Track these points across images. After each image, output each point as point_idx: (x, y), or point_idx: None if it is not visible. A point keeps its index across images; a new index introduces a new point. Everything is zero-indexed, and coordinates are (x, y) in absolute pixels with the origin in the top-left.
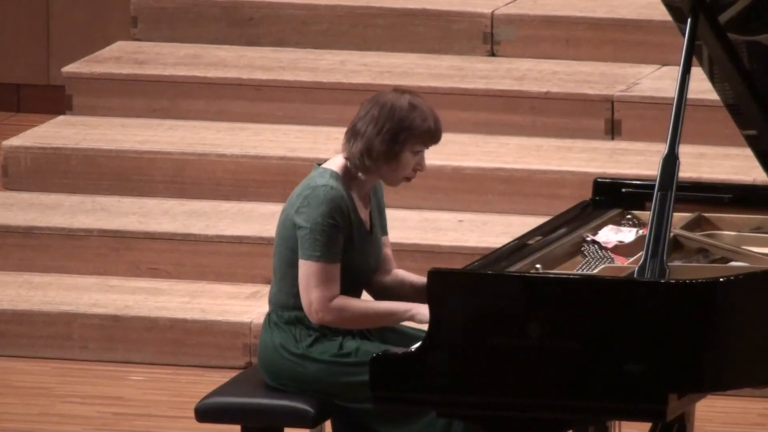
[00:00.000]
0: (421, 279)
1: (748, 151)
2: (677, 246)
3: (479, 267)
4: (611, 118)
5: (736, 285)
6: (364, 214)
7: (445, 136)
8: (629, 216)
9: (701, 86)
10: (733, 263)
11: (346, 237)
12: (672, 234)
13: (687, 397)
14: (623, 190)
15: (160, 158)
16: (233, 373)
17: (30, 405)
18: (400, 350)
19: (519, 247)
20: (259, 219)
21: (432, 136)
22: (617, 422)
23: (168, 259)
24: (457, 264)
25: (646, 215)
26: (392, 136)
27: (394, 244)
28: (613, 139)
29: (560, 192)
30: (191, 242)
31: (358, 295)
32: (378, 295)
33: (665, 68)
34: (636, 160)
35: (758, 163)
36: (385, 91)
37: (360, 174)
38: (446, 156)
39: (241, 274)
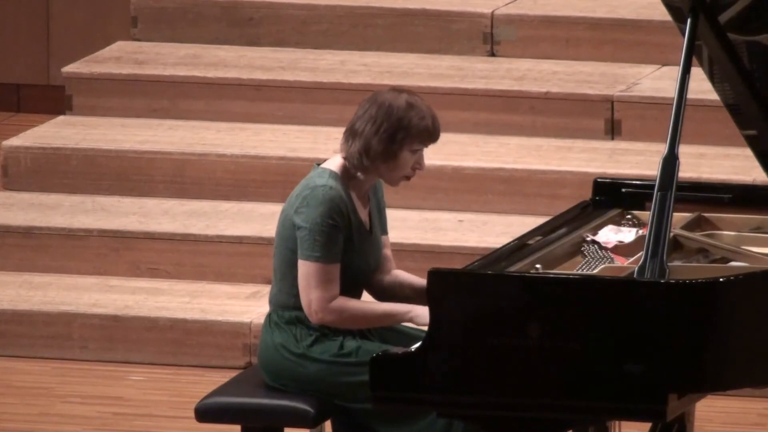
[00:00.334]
0: (421, 281)
1: (748, 151)
2: (677, 246)
3: (479, 267)
4: (611, 118)
5: (736, 285)
6: (363, 214)
7: (445, 136)
8: (629, 216)
9: (701, 86)
10: (733, 263)
11: (345, 237)
12: (672, 234)
13: (687, 397)
14: (623, 190)
15: (160, 158)
16: (233, 373)
17: (30, 405)
18: (400, 350)
19: (519, 247)
20: (259, 219)
21: (430, 135)
22: (617, 422)
23: (168, 259)
24: (457, 264)
25: (646, 215)
26: (390, 136)
27: (394, 244)
28: (613, 139)
29: (560, 192)
30: (191, 242)
31: (358, 296)
32: (378, 295)
33: (665, 68)
34: (636, 160)
35: (758, 163)
36: (383, 90)
37: (359, 174)
38: (446, 156)
39: (241, 274)
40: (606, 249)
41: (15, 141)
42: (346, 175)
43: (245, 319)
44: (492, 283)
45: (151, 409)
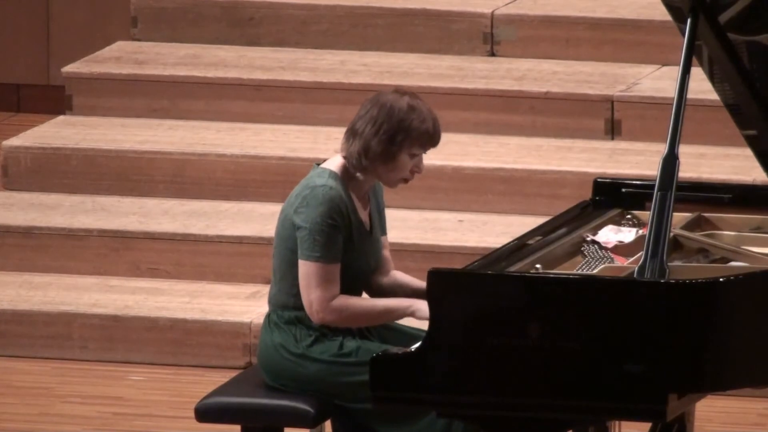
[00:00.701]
0: (419, 282)
1: (748, 151)
2: (677, 246)
3: (479, 267)
4: (611, 118)
5: (736, 285)
6: (363, 214)
7: (445, 136)
8: (629, 216)
9: (701, 86)
10: (733, 263)
11: (345, 237)
12: (672, 234)
13: (687, 397)
14: (623, 190)
15: (160, 158)
16: (233, 373)
17: (30, 405)
18: (400, 350)
19: (519, 247)
20: (259, 219)
21: (430, 139)
22: (617, 422)
23: (168, 259)
24: (457, 264)
25: (646, 215)
26: (390, 137)
27: (394, 244)
28: (613, 139)
29: (560, 192)
30: (191, 242)
31: (358, 295)
32: (376, 295)
33: (665, 68)
34: (636, 160)
35: (758, 163)
36: (386, 91)
37: (358, 174)
38: (446, 156)
39: (241, 274)
40: (606, 249)
41: (15, 141)
42: (346, 175)
43: (245, 319)
44: (492, 283)
45: (151, 409)
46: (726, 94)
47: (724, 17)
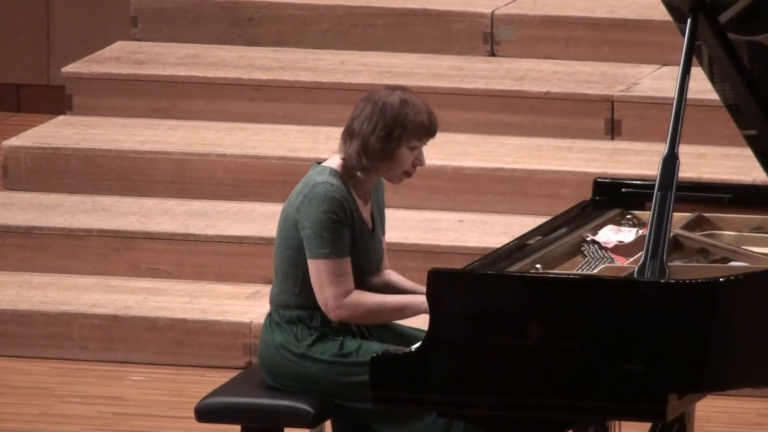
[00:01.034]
0: (411, 284)
1: (748, 151)
2: (677, 246)
3: (479, 267)
4: (611, 118)
5: (736, 285)
6: (365, 212)
7: (445, 136)
8: (629, 216)
9: (701, 86)
10: (733, 263)
11: (350, 233)
12: (672, 234)
13: (687, 397)
14: (623, 190)
15: (160, 158)
16: (233, 373)
17: (30, 405)
18: (400, 350)
19: (519, 247)
20: (259, 219)
21: (427, 130)
22: (617, 422)
23: (168, 259)
24: (457, 264)
25: (646, 215)
26: (387, 134)
27: (394, 244)
28: (613, 139)
29: (560, 192)
30: (191, 242)
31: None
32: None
33: (665, 68)
34: (636, 160)
35: (758, 163)
36: (378, 89)
37: (359, 173)
38: (446, 156)
39: (241, 274)
40: (606, 249)
41: (15, 141)
42: (346, 173)
43: (245, 319)
44: (492, 283)
45: (151, 409)
46: (726, 94)
47: (724, 17)
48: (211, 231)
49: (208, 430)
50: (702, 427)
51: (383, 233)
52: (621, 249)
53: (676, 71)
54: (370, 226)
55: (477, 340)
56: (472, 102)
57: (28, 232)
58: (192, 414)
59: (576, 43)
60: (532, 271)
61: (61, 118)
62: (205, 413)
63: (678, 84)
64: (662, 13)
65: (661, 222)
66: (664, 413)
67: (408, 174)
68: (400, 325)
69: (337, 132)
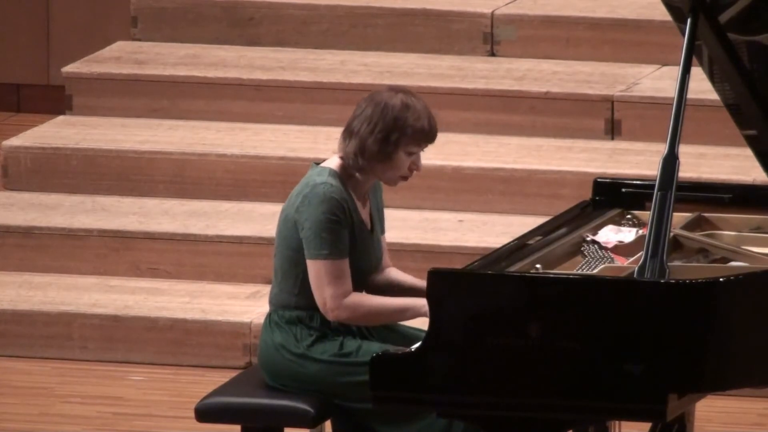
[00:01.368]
0: (413, 280)
1: (748, 151)
2: (677, 246)
3: (479, 267)
4: (611, 118)
5: (736, 285)
6: (363, 213)
7: (445, 136)
8: (629, 216)
9: (701, 86)
10: (733, 263)
11: (348, 233)
12: (672, 234)
13: (687, 397)
14: (623, 190)
15: (160, 158)
16: (233, 373)
17: (30, 405)
18: (400, 350)
19: (519, 247)
20: (259, 219)
21: (425, 136)
22: (617, 422)
23: (168, 259)
24: (457, 264)
25: (646, 215)
26: (385, 136)
27: (394, 244)
28: (613, 139)
29: (560, 192)
30: (191, 242)
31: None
32: (371, 293)
33: (665, 68)
34: (636, 160)
35: (758, 163)
36: (381, 89)
37: (357, 174)
38: (446, 156)
39: (241, 274)
40: (606, 249)
41: (15, 141)
42: (344, 173)
43: (245, 319)
44: (492, 283)
45: (151, 409)
46: (726, 94)
47: (724, 17)
48: (211, 231)
49: (208, 430)
50: (702, 427)
51: (383, 232)
52: (621, 249)
53: (676, 71)
54: (369, 227)
55: (477, 340)
56: (472, 102)
57: (28, 232)
58: (192, 414)
59: (576, 43)
60: (532, 271)
61: (61, 118)
62: (205, 413)
63: (678, 84)
64: (662, 13)
65: (661, 222)
66: (664, 413)
67: (404, 178)
68: (400, 325)
69: (337, 132)
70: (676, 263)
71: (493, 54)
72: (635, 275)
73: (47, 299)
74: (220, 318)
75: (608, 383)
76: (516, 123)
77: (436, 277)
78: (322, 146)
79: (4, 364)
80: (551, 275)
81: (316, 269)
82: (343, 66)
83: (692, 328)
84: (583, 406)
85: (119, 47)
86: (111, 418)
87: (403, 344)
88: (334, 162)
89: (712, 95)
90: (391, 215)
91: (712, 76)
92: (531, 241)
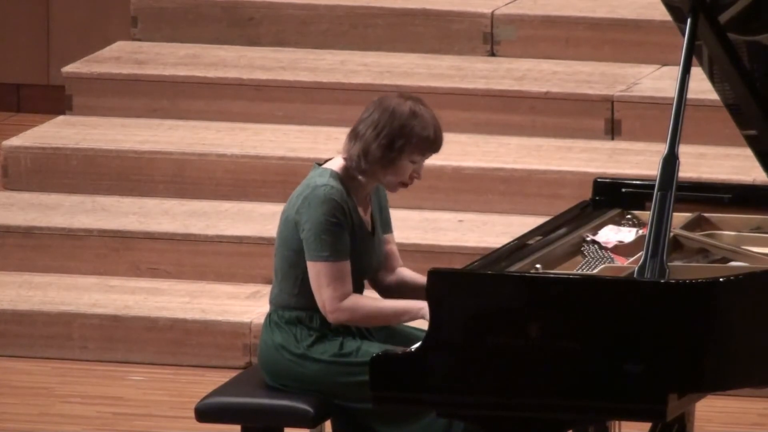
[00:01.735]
0: (422, 279)
1: (748, 151)
2: (677, 246)
3: (479, 267)
4: (611, 118)
5: (736, 285)
6: (365, 215)
7: (445, 136)
8: (629, 216)
9: (701, 86)
10: (733, 263)
11: (349, 236)
12: (672, 234)
13: (687, 397)
14: (623, 190)
15: (160, 158)
16: (233, 373)
17: (30, 405)
18: (400, 350)
19: (519, 247)
20: (259, 219)
21: (430, 146)
22: (617, 422)
23: (168, 259)
24: (457, 264)
25: (646, 215)
26: (389, 142)
27: None
28: (613, 139)
29: (560, 192)
30: (191, 242)
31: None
32: (381, 293)
33: (665, 68)
34: (636, 160)
35: (758, 163)
36: (391, 95)
37: (359, 176)
38: (446, 156)
39: (241, 274)
40: (606, 249)
41: (15, 141)
42: (347, 175)
43: (245, 319)
44: (492, 283)
45: (151, 409)
46: (726, 94)
47: (724, 17)
48: (211, 231)
49: (208, 430)
50: (702, 427)
51: (390, 232)
52: (621, 249)
53: (676, 71)
54: (370, 228)
55: (477, 340)
56: (472, 102)
57: (28, 232)
58: (192, 414)
59: (576, 43)
60: (532, 271)
61: (61, 118)
62: (205, 413)
63: (678, 84)
64: (662, 13)
65: (661, 222)
66: (664, 413)
67: (404, 185)
68: (401, 325)
69: (337, 132)
70: (676, 263)
71: (493, 54)
72: (635, 275)
73: (47, 299)
74: (220, 318)
75: (608, 383)
76: (516, 123)
77: (436, 277)
78: (322, 146)
79: (4, 364)
80: (551, 275)
81: (315, 271)
82: (343, 66)
83: (692, 328)
84: (583, 406)
85: (119, 47)
86: (111, 418)
87: (403, 344)
88: (337, 163)
89: (712, 95)
90: (391, 215)
91: (712, 76)
92: (531, 241)
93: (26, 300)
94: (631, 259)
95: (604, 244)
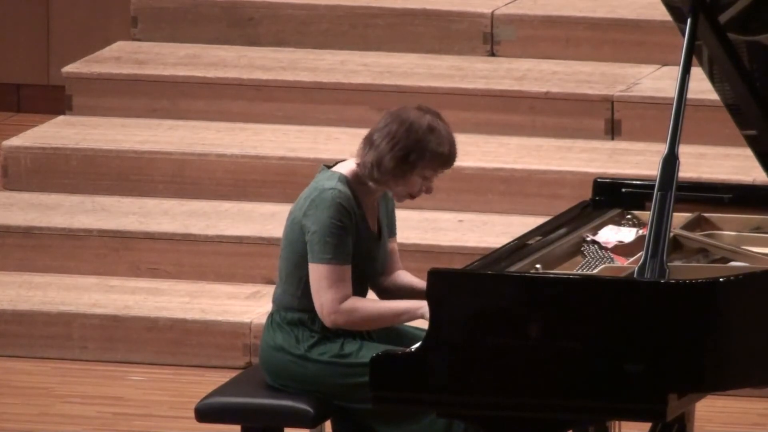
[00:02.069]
0: (421, 282)
1: (748, 151)
2: (677, 246)
3: (479, 267)
4: (611, 118)
5: (736, 285)
6: (371, 219)
7: None
8: (629, 216)
9: (701, 86)
10: (733, 263)
11: (353, 240)
12: (672, 234)
13: (687, 397)
14: (623, 190)
15: (160, 158)
16: (233, 373)
17: (30, 405)
18: (400, 350)
19: (519, 247)
20: (259, 219)
21: (443, 162)
22: (617, 422)
23: (168, 259)
24: (457, 264)
25: (646, 215)
26: (404, 155)
27: None
28: (613, 139)
29: (560, 192)
30: (191, 242)
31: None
32: (379, 295)
33: (665, 68)
34: (636, 160)
35: (758, 163)
36: (410, 107)
37: (370, 183)
38: None
39: (241, 274)
40: (606, 249)
41: (15, 141)
42: (356, 180)
43: (245, 319)
44: (492, 283)
45: (151, 409)
46: (726, 94)
47: (724, 17)
48: (211, 231)
49: (208, 430)
50: (702, 427)
51: (394, 234)
52: (621, 249)
53: (676, 71)
54: (377, 232)
55: (477, 340)
56: (472, 102)
57: (28, 232)
58: (192, 414)
59: (576, 43)
60: (532, 271)
61: (61, 118)
62: (205, 413)
63: (678, 84)
64: (662, 13)
65: (661, 222)
66: (664, 413)
67: (412, 197)
68: (401, 325)
69: (337, 132)
70: (676, 263)
71: (493, 54)
72: (635, 275)
73: (47, 299)
74: (220, 318)
75: (608, 383)
76: (516, 123)
77: (436, 277)
78: (322, 146)
79: (4, 364)
80: (551, 275)
81: (317, 273)
82: (343, 66)
83: (692, 328)
84: (583, 406)
85: (119, 47)
86: (111, 418)
87: (404, 344)
88: (348, 167)
89: (712, 95)
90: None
91: (712, 76)
92: (531, 241)
93: (26, 300)
94: (631, 259)
95: (604, 244)
